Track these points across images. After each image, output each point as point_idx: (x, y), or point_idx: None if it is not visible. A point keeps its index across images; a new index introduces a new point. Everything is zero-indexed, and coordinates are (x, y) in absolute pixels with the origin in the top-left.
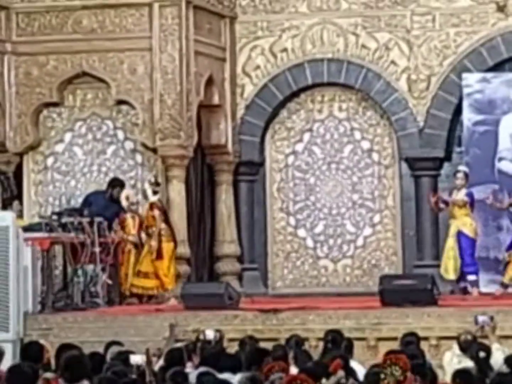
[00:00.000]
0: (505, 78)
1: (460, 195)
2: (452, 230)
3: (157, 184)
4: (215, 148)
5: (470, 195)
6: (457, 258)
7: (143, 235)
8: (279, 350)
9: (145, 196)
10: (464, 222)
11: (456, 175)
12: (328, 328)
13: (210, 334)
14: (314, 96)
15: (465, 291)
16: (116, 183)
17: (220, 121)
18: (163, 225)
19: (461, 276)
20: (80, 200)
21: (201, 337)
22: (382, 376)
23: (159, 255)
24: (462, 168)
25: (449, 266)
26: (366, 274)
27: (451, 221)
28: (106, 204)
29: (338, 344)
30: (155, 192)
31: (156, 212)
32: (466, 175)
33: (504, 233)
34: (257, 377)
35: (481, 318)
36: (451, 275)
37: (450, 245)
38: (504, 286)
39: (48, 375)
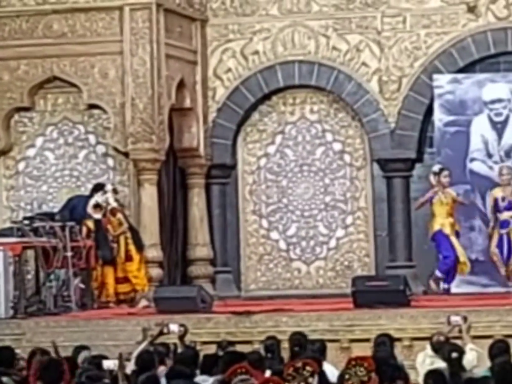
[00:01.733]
0: (476, 79)
1: (453, 192)
2: (450, 229)
3: (116, 192)
4: (187, 151)
5: None
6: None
7: None
8: (255, 354)
9: (107, 204)
10: (455, 220)
11: (443, 172)
12: (301, 330)
13: (174, 328)
14: (286, 99)
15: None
16: (100, 187)
17: (192, 124)
18: (125, 227)
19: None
20: (52, 204)
21: (165, 331)
22: (347, 376)
23: (129, 257)
24: (443, 166)
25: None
26: (339, 275)
27: (443, 220)
28: None
29: (304, 347)
30: (116, 200)
31: (120, 215)
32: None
33: (476, 233)
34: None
35: (453, 319)
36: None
37: (457, 243)
38: None
39: (5, 379)
